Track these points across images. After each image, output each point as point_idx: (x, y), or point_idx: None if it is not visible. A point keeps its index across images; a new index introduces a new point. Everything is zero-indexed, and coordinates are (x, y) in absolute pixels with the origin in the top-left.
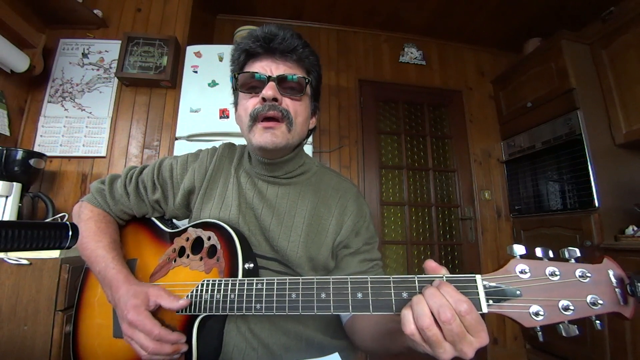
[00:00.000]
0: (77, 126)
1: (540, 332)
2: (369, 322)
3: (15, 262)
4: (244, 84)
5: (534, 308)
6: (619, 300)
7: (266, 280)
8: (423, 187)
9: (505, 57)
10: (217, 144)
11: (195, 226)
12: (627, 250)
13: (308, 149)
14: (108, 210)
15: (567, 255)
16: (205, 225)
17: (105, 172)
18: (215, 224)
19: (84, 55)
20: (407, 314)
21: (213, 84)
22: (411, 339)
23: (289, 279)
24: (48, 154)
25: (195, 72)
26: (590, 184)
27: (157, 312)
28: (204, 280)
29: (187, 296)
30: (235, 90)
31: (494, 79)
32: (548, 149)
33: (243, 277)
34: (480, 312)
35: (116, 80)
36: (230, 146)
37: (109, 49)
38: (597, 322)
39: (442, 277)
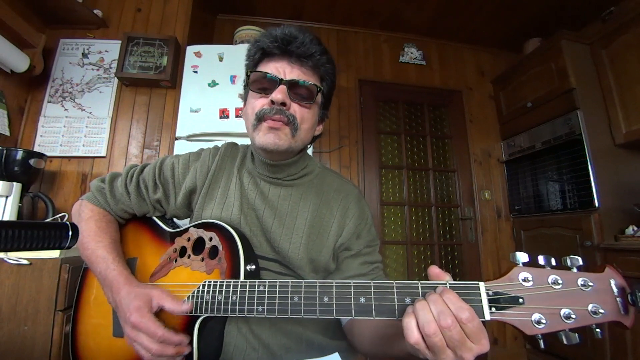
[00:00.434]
0: (77, 126)
1: (541, 340)
2: (368, 326)
3: (15, 262)
4: (255, 82)
5: (536, 316)
6: (620, 310)
7: (268, 282)
8: (423, 187)
9: (505, 57)
10: (217, 144)
11: (196, 226)
12: (627, 250)
13: (308, 150)
14: (108, 209)
15: (569, 264)
16: (207, 226)
17: (106, 172)
18: (217, 225)
19: (84, 55)
20: (409, 322)
21: (213, 84)
22: (415, 347)
23: (292, 282)
24: (48, 154)
25: (195, 72)
26: (590, 184)
27: (159, 313)
28: (205, 281)
29: (188, 298)
30: (247, 86)
31: (494, 79)
32: (548, 149)
33: (245, 278)
34: (483, 320)
35: (116, 80)
36: (233, 146)
37: (109, 49)
38: (598, 330)
39: (446, 284)
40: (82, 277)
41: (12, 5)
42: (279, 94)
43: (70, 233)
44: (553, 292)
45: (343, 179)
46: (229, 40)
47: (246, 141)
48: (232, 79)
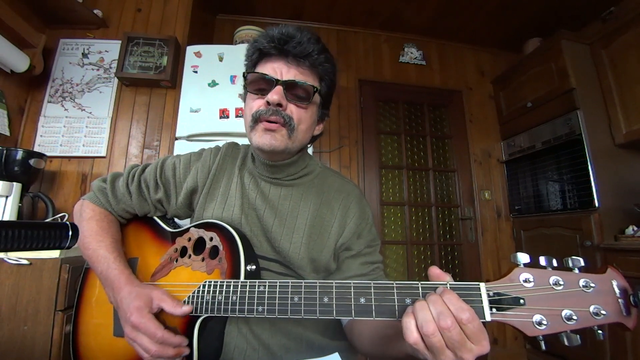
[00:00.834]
0: (77, 126)
1: (542, 341)
2: (368, 326)
3: (15, 262)
4: (253, 83)
5: (537, 317)
6: (622, 311)
7: (268, 282)
8: (423, 187)
9: (505, 57)
10: (217, 144)
11: (197, 226)
12: (627, 250)
13: (308, 149)
14: (110, 209)
15: (570, 264)
16: (208, 226)
17: (106, 172)
18: (218, 225)
19: (84, 55)
20: (408, 322)
21: (213, 84)
22: (414, 347)
23: (292, 282)
24: (48, 154)
25: (195, 72)
26: (590, 184)
27: (159, 313)
28: (205, 282)
29: (187, 299)
30: (245, 86)
31: (494, 79)
32: (548, 149)
33: (245, 278)
34: (483, 321)
35: (116, 80)
36: (234, 146)
37: (109, 49)
38: (599, 331)
39: (446, 285)
40: (83, 277)
41: (12, 5)
42: (275, 94)
43: (70, 233)
44: (554, 293)
45: (344, 179)
46: (229, 40)
47: (247, 141)
48: (232, 79)
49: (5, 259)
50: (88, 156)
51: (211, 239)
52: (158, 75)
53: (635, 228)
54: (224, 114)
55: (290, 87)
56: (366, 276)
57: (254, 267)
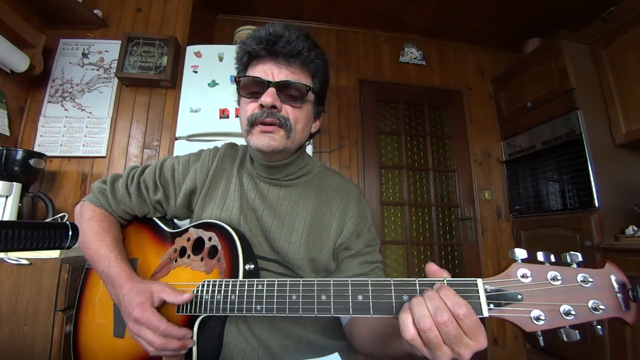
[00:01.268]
0: (77, 126)
1: (541, 337)
2: (367, 326)
3: (15, 262)
4: (245, 87)
5: (535, 313)
6: (621, 306)
7: (267, 281)
8: (423, 187)
9: (505, 57)
10: (217, 144)
11: (196, 226)
12: (627, 250)
13: (308, 149)
14: (110, 210)
15: (569, 260)
16: (206, 226)
17: (105, 172)
18: (216, 225)
19: (84, 55)
20: (405, 318)
21: (213, 84)
22: (411, 344)
23: (290, 281)
24: (48, 154)
25: (195, 72)
26: (590, 184)
27: (159, 311)
28: (204, 281)
29: (193, 291)
30: (238, 90)
31: (494, 79)
32: (548, 149)
33: (244, 278)
34: (481, 317)
35: (116, 80)
36: (233, 146)
37: (109, 49)
38: (598, 327)
39: (443, 281)
40: (84, 277)
41: (12, 5)
42: (268, 97)
43: (70, 233)
44: (552, 289)
45: (343, 179)
46: (229, 40)
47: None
48: (232, 79)
49: (5, 259)
50: (88, 156)
51: (210, 239)
52: (158, 75)
53: (635, 228)
54: (224, 114)
55: (282, 87)
56: (365, 276)
57: (252, 266)
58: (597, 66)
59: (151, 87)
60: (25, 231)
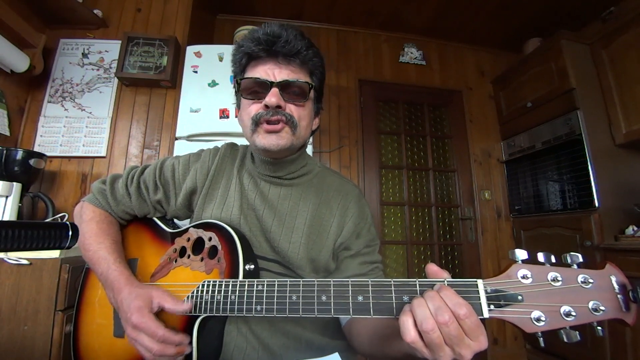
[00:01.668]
0: (77, 126)
1: (541, 338)
2: (366, 326)
3: (15, 262)
4: (246, 89)
5: (536, 313)
6: (621, 307)
7: (267, 281)
8: (423, 187)
9: (505, 57)
10: (217, 144)
11: (196, 226)
12: (627, 251)
13: (308, 149)
14: (110, 210)
15: (569, 261)
16: (206, 226)
17: (105, 172)
18: (217, 225)
19: (84, 55)
20: (406, 321)
21: (213, 84)
22: (412, 346)
23: (290, 281)
24: (48, 154)
25: (195, 72)
26: (590, 184)
27: (159, 313)
28: (204, 281)
29: (186, 299)
30: (238, 92)
31: (494, 79)
32: (548, 149)
33: (244, 278)
34: (482, 317)
35: (116, 80)
36: (233, 146)
37: (109, 49)
38: (599, 328)
39: (444, 282)
40: (84, 277)
41: (12, 5)
42: (273, 97)
43: (70, 233)
44: (553, 289)
45: (343, 179)
46: (229, 40)
47: (246, 141)
48: (232, 79)
49: (5, 259)
50: (88, 156)
51: (210, 239)
52: (158, 75)
53: (635, 228)
54: (224, 114)
55: (285, 87)
56: (365, 276)
57: (252, 266)
58: (597, 66)
59: (151, 87)
60: (25, 231)
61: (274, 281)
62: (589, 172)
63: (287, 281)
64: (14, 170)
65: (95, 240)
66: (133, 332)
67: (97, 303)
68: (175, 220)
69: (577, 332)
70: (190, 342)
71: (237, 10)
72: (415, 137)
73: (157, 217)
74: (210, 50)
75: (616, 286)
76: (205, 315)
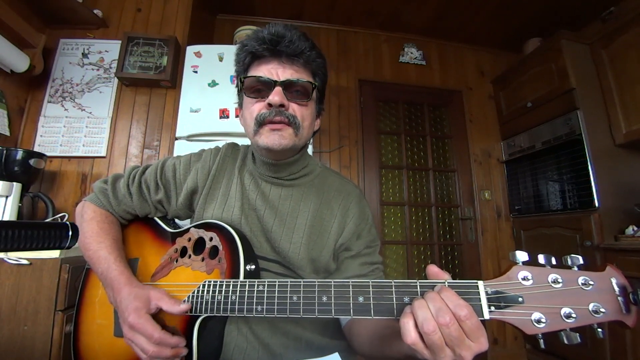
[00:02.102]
0: (77, 126)
1: (542, 339)
2: (366, 327)
3: (15, 262)
4: (250, 88)
5: (536, 315)
6: (622, 309)
7: (267, 282)
8: (423, 187)
9: (505, 57)
10: (217, 144)
11: (197, 226)
12: (627, 251)
13: (308, 149)
14: (111, 210)
15: (570, 263)
16: (207, 226)
17: (106, 172)
18: (217, 225)
19: (84, 55)
20: (407, 322)
21: (213, 84)
22: (412, 348)
23: (291, 282)
24: (48, 154)
25: (195, 72)
26: (590, 184)
27: (159, 313)
28: (205, 281)
29: (187, 299)
30: (240, 91)
31: (494, 79)
32: (548, 149)
33: (245, 278)
34: (482, 319)
35: (116, 80)
36: (234, 146)
37: (109, 49)
38: (599, 330)
39: (444, 283)
40: (84, 277)
41: (12, 5)
42: (276, 96)
43: (70, 233)
44: (553, 291)
45: (344, 179)
46: (229, 40)
47: (246, 141)
48: (232, 79)
49: (5, 259)
50: (88, 156)
51: (211, 239)
52: (158, 75)
53: (635, 228)
54: (224, 114)
55: (288, 86)
56: (365, 277)
57: (253, 267)
58: (597, 66)
59: (151, 87)
60: (25, 231)
61: (275, 281)
62: (589, 172)
63: (287, 281)
64: (14, 170)
65: (95, 240)
66: (129, 333)
67: (98, 303)
68: (176, 220)
69: (578, 334)
70: (187, 345)
71: (237, 10)
72: (415, 137)
73: (158, 217)
74: (210, 50)
75: (617, 288)
76: (206, 315)
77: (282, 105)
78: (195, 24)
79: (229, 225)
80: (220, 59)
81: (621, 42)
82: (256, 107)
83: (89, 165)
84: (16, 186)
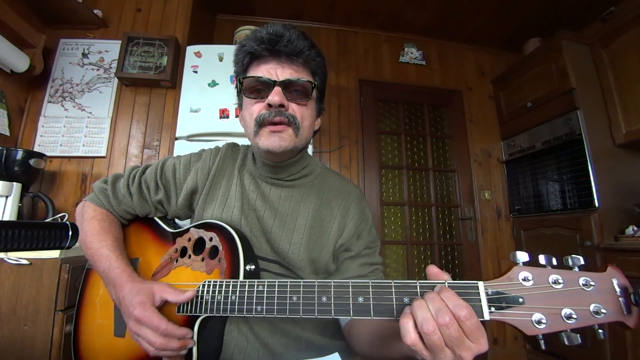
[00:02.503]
0: (77, 126)
1: (542, 340)
2: (366, 327)
3: (15, 262)
4: (249, 88)
5: (537, 316)
6: (623, 310)
7: (267, 282)
8: (423, 187)
9: (505, 57)
10: (217, 144)
11: (197, 227)
12: (627, 250)
13: (308, 149)
14: (111, 210)
15: (570, 263)
16: (207, 226)
17: (106, 172)
18: (217, 225)
19: (84, 55)
20: (406, 323)
21: (213, 84)
22: (412, 348)
23: (290, 282)
24: (48, 154)
25: (195, 72)
26: (590, 184)
27: (160, 311)
28: (205, 281)
29: (197, 288)
30: (240, 92)
31: (494, 79)
32: (548, 149)
33: (244, 278)
34: (482, 320)
35: (116, 80)
36: (234, 146)
37: (109, 49)
38: (600, 330)
39: (444, 283)
40: (84, 277)
41: (12, 5)
42: (275, 96)
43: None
44: (554, 292)
45: (344, 180)
46: (229, 40)
47: (246, 141)
48: (232, 79)
49: (5, 259)
50: (88, 156)
51: (211, 239)
52: (158, 75)
53: (635, 228)
54: (224, 114)
55: (288, 86)
56: (365, 277)
57: (253, 267)
58: (597, 66)
59: (151, 87)
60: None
61: (275, 282)
62: (589, 172)
63: (287, 282)
64: (14, 170)
65: (97, 239)
66: (135, 326)
67: (98, 303)
68: (176, 220)
69: (579, 335)
70: (193, 336)
71: (237, 10)
72: (415, 137)
73: (158, 217)
74: (210, 50)
75: (618, 289)
76: (206, 315)
77: (281, 105)
78: (195, 24)
79: (229, 225)
80: (220, 59)
81: (621, 42)
82: (256, 108)
83: (89, 165)
84: (16, 186)
